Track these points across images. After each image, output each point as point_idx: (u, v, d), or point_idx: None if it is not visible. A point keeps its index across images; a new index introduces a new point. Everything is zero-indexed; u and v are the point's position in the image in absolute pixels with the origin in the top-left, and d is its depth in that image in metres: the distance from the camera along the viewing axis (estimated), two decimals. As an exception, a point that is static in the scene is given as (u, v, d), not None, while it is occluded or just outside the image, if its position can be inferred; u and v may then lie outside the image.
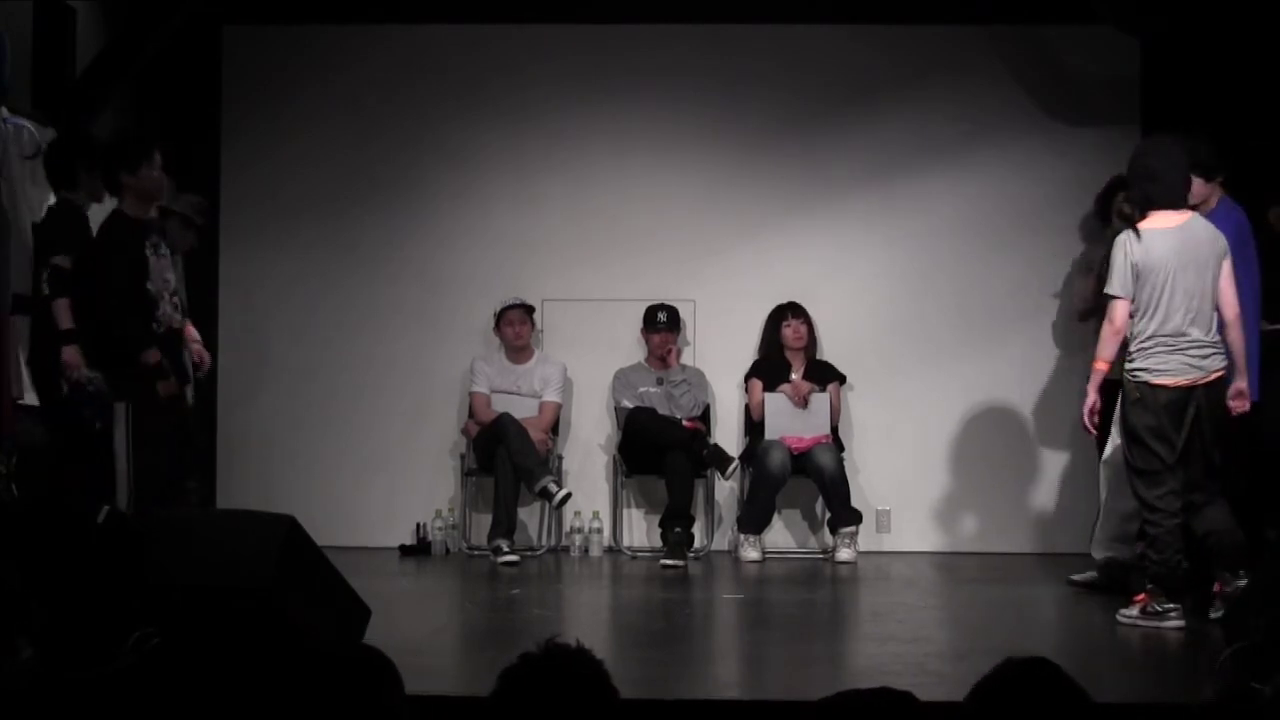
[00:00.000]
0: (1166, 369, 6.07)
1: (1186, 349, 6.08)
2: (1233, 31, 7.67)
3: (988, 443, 8.75)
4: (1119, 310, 6.14)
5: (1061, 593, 7.50)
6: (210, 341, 8.21)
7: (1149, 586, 6.14)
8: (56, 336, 6.47)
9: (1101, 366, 6.23)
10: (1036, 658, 2.74)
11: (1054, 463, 8.71)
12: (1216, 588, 6.14)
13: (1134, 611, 6.17)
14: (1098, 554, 7.14)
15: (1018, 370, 8.74)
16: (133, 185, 6.61)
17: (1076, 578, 7.31)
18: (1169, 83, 8.34)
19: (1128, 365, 6.15)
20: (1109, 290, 6.17)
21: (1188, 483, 6.10)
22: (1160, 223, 6.15)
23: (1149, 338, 6.09)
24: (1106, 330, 6.20)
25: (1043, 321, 8.74)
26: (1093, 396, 6.26)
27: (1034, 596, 7.43)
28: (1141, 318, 6.11)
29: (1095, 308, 8.00)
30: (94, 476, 6.46)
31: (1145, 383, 6.07)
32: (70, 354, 6.46)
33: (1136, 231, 6.15)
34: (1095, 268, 8.04)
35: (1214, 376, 6.12)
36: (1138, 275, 6.09)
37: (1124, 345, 7.22)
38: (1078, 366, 8.51)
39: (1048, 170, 8.73)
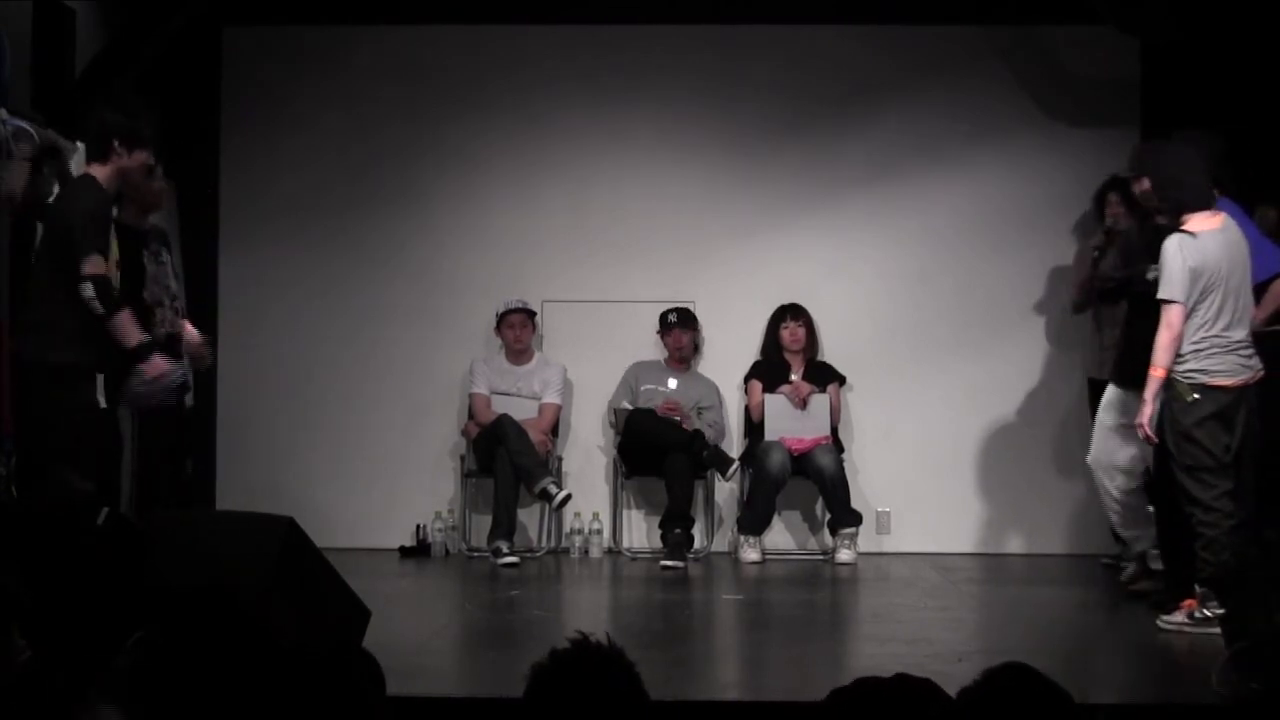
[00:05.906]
0: (1223, 369, 6.03)
1: (1237, 349, 6.04)
2: (1233, 33, 7.66)
3: (988, 443, 8.74)
4: (1176, 315, 6.01)
5: (1061, 594, 7.51)
6: (210, 342, 8.20)
7: (1199, 590, 5.99)
8: (129, 352, 5.99)
9: (1159, 374, 6.02)
10: (1017, 664, 2.70)
11: (1054, 463, 8.69)
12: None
13: (1179, 617, 6.03)
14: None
15: (1017, 370, 8.73)
16: (131, 192, 6.45)
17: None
18: (1169, 84, 8.34)
19: (1179, 366, 6.02)
20: (1167, 295, 6.03)
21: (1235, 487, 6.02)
22: (1207, 224, 6.09)
23: (1203, 339, 6.02)
24: (1165, 336, 6.02)
25: (1042, 321, 8.73)
26: (1151, 406, 6.04)
27: (1034, 597, 7.42)
28: (1195, 318, 6.02)
29: (1088, 300, 7.98)
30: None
31: (1203, 384, 6.00)
32: (163, 362, 6.04)
33: (1190, 234, 6.06)
34: (1093, 259, 8.02)
35: (1260, 375, 6.10)
36: (1194, 279, 6.01)
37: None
38: (1077, 366, 8.52)
39: (1048, 170, 8.72)
